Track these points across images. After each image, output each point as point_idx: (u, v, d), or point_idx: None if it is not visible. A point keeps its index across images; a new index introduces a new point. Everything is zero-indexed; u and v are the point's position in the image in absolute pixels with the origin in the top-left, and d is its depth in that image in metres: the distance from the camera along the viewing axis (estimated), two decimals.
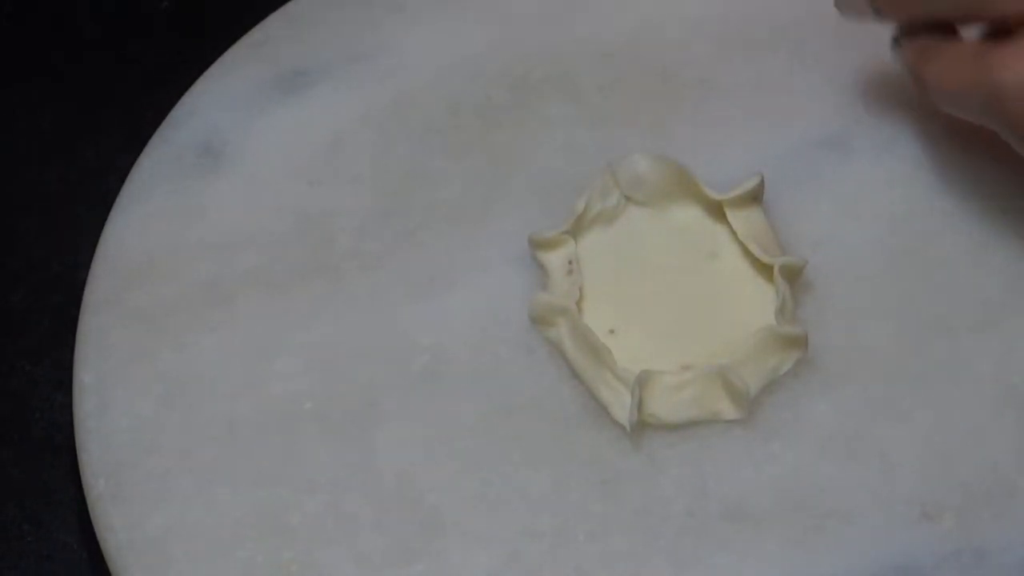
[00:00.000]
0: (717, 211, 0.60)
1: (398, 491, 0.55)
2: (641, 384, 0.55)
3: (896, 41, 0.57)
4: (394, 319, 0.58)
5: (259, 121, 0.61)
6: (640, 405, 0.55)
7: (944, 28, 0.56)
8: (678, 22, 0.58)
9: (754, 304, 0.58)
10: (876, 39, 0.60)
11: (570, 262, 0.58)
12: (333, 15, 0.63)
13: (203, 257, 0.59)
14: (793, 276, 0.58)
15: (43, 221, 0.65)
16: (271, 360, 0.57)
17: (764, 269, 0.59)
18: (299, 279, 0.59)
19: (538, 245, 0.59)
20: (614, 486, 0.55)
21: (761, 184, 0.59)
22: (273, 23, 0.63)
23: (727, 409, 0.56)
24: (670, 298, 0.59)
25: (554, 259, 0.59)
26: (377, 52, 0.63)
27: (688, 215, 0.60)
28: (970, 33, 0.55)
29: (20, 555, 0.58)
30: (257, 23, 0.64)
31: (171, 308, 0.58)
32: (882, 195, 0.61)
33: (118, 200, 0.61)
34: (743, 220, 0.59)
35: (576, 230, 0.59)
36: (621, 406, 0.56)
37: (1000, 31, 0.53)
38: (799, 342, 0.56)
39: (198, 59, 0.64)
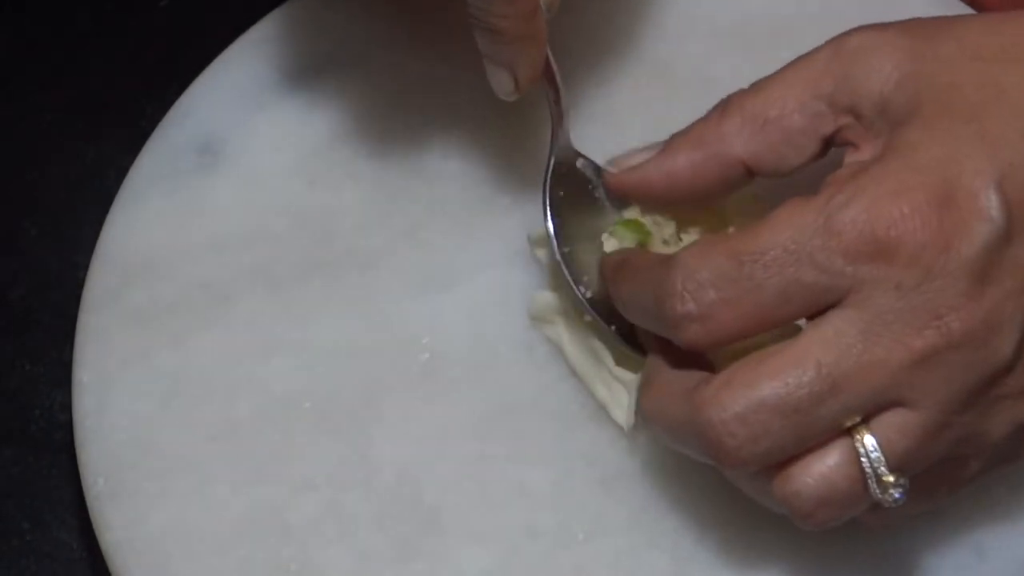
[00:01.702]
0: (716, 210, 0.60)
1: (397, 490, 0.55)
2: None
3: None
4: (393, 317, 0.58)
5: (258, 120, 0.61)
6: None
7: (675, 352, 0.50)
8: (677, 19, 0.58)
9: None
10: None
11: None
12: (332, 14, 0.63)
13: (202, 256, 0.59)
14: None
15: (43, 221, 0.65)
16: (270, 359, 0.57)
17: None
18: (298, 277, 0.59)
19: (538, 243, 0.59)
20: (613, 485, 0.55)
21: (760, 184, 0.59)
22: (272, 22, 0.63)
23: None
24: None
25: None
26: (376, 51, 0.63)
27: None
28: None
29: (20, 554, 0.59)
30: (256, 22, 0.64)
31: (170, 307, 0.58)
32: None
33: (118, 200, 0.61)
34: (743, 219, 0.59)
35: None
36: (620, 406, 0.56)
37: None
38: None
39: (198, 59, 0.63)
